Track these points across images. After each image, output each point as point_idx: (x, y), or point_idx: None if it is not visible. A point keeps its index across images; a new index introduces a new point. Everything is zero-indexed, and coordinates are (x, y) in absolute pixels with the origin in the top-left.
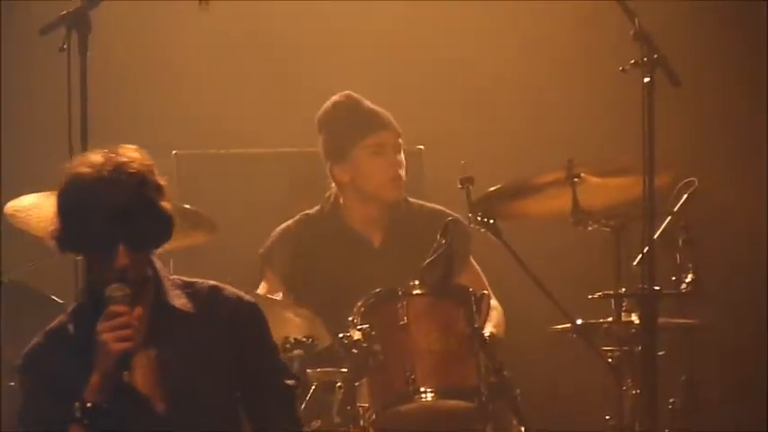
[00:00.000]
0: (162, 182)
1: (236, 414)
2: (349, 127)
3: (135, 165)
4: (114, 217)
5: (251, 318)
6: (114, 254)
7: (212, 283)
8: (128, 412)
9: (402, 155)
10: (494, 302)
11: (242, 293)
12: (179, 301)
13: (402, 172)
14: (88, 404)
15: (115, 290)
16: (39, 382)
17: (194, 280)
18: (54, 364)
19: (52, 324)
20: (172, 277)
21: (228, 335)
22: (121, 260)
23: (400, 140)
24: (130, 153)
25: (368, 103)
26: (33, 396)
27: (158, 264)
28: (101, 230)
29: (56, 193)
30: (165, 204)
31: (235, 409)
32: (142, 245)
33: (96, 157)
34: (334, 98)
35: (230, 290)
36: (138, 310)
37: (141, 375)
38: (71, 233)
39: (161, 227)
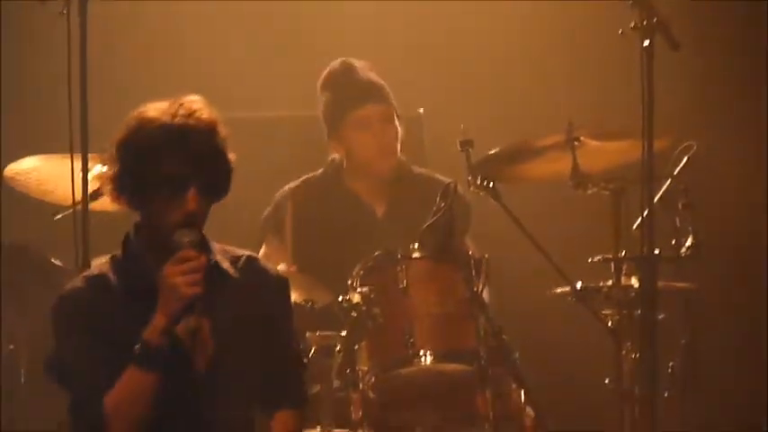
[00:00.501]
0: (225, 134)
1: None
2: (338, 100)
3: (206, 112)
4: (188, 160)
5: (282, 292)
6: (185, 197)
7: (248, 252)
8: (170, 365)
9: (395, 125)
10: None
11: (274, 267)
12: (224, 263)
13: (394, 143)
14: (151, 346)
15: (185, 234)
16: (80, 325)
17: (231, 247)
18: (95, 308)
19: (90, 270)
20: (212, 242)
21: (262, 305)
22: (191, 204)
23: (394, 111)
24: (198, 102)
25: (362, 71)
26: (73, 340)
27: None
28: (174, 171)
29: (121, 135)
30: (231, 156)
31: (257, 378)
32: (212, 190)
33: (164, 104)
34: (332, 65)
35: (264, 262)
36: (204, 257)
37: (184, 330)
38: (140, 176)
39: (226, 178)
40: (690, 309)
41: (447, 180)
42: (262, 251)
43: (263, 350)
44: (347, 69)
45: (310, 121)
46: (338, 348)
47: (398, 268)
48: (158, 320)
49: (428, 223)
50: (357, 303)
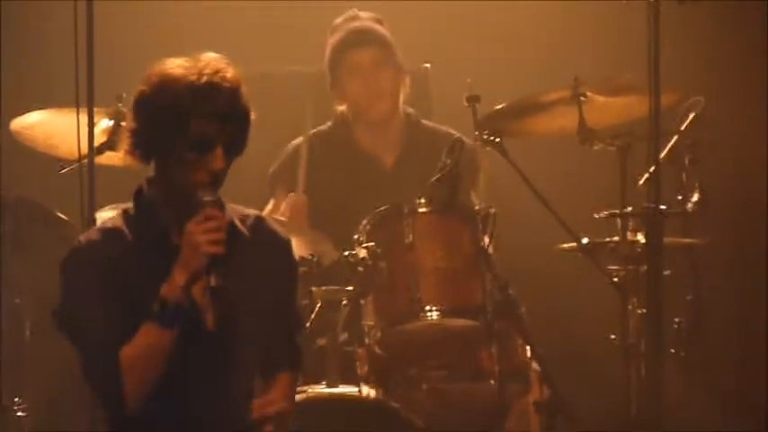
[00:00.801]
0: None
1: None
2: (334, 47)
3: (232, 71)
4: (216, 120)
5: (288, 254)
6: (211, 156)
7: (256, 212)
8: (184, 324)
9: (390, 71)
10: None
11: (281, 227)
12: (238, 224)
13: (387, 88)
14: (170, 303)
15: (208, 194)
16: (94, 277)
17: (239, 206)
18: (110, 261)
19: (104, 223)
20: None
21: (269, 265)
22: (218, 163)
23: (390, 57)
24: (224, 61)
25: (362, 20)
26: (86, 293)
27: None
28: (203, 132)
29: (143, 91)
30: (253, 114)
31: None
32: (237, 149)
33: (190, 61)
34: (339, 18)
35: (271, 222)
36: (227, 218)
37: (197, 289)
38: (166, 132)
39: (246, 136)
40: (696, 264)
41: (456, 133)
42: (270, 206)
43: (267, 310)
44: (349, 18)
45: (319, 77)
46: (344, 303)
47: (405, 223)
48: (178, 277)
49: (434, 178)
50: (363, 258)
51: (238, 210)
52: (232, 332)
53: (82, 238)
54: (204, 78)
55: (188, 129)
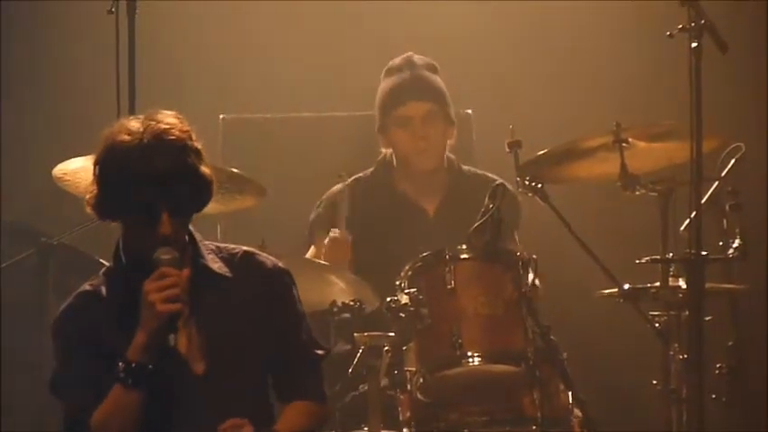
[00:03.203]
0: (200, 146)
1: (267, 378)
2: (387, 94)
3: (175, 131)
4: (156, 184)
5: (282, 284)
6: (157, 221)
7: (246, 248)
8: (167, 373)
9: (441, 126)
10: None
11: (275, 259)
12: (215, 264)
13: (436, 143)
14: (132, 364)
15: (164, 252)
16: (72, 342)
17: (227, 245)
18: (87, 325)
19: (83, 287)
20: (205, 242)
21: (262, 300)
22: (165, 227)
23: (443, 112)
24: (169, 119)
25: (418, 68)
26: (66, 358)
27: (192, 228)
28: (143, 198)
29: (94, 160)
30: (205, 169)
31: (266, 373)
32: (185, 211)
33: (135, 124)
34: (395, 60)
35: (263, 255)
36: (186, 272)
37: (181, 337)
38: (112, 201)
39: (202, 192)
40: (737, 310)
41: (496, 177)
42: (311, 251)
43: (269, 345)
44: (404, 64)
45: (363, 121)
46: (386, 349)
47: (446, 269)
48: (139, 338)
49: (476, 224)
50: (405, 304)
51: (226, 248)
52: (222, 374)
53: (63, 304)
54: (144, 142)
55: (132, 196)
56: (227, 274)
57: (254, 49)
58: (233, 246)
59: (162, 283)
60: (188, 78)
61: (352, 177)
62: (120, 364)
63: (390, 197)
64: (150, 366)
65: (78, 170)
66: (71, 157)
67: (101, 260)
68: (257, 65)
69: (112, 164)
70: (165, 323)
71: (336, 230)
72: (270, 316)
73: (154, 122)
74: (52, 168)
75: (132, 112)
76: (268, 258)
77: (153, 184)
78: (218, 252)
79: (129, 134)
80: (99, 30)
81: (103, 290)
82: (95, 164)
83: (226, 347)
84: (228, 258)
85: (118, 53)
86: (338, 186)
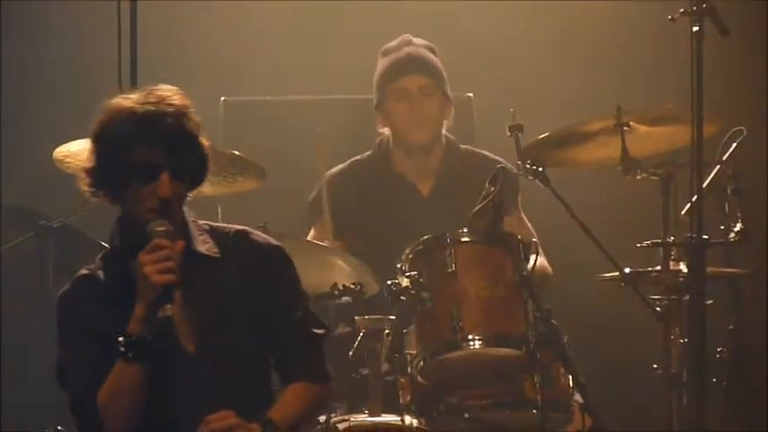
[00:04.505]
0: (199, 120)
1: (266, 359)
2: (384, 70)
3: (176, 99)
4: (159, 145)
5: (276, 261)
6: (158, 183)
7: (239, 227)
8: (160, 352)
9: (437, 99)
10: (541, 259)
11: (269, 237)
12: (204, 246)
13: (432, 117)
14: (132, 336)
15: (158, 225)
16: (74, 327)
17: (221, 225)
18: (86, 308)
19: (80, 271)
20: (200, 222)
21: (255, 278)
22: (164, 188)
23: (438, 86)
24: (169, 90)
25: (414, 46)
26: (69, 343)
27: (185, 209)
28: (144, 157)
29: (94, 127)
30: (204, 141)
31: (264, 354)
32: (184, 172)
33: (136, 93)
34: (392, 42)
35: (257, 234)
36: (180, 244)
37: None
38: (112, 163)
39: (201, 161)
40: (738, 294)
41: (494, 157)
42: (311, 234)
43: (265, 324)
44: (402, 43)
45: (361, 104)
46: (387, 332)
47: (447, 252)
48: (137, 311)
49: (477, 207)
50: (406, 287)
51: (218, 228)
52: (214, 353)
53: (62, 288)
54: (146, 106)
55: (131, 157)
56: (216, 255)
57: (254, 32)
58: (228, 225)
59: (156, 255)
60: (190, 61)
61: (350, 160)
62: (121, 338)
63: (386, 179)
64: (149, 339)
65: (79, 152)
66: (72, 140)
67: (101, 242)
68: (258, 48)
69: (114, 128)
70: (160, 294)
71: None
72: (263, 294)
73: (154, 90)
74: (53, 151)
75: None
76: (261, 236)
77: (154, 143)
78: (211, 232)
79: (132, 100)
80: (102, 12)
81: (101, 273)
82: (94, 135)
83: (214, 328)
84: (221, 238)
85: (120, 36)
86: (336, 168)
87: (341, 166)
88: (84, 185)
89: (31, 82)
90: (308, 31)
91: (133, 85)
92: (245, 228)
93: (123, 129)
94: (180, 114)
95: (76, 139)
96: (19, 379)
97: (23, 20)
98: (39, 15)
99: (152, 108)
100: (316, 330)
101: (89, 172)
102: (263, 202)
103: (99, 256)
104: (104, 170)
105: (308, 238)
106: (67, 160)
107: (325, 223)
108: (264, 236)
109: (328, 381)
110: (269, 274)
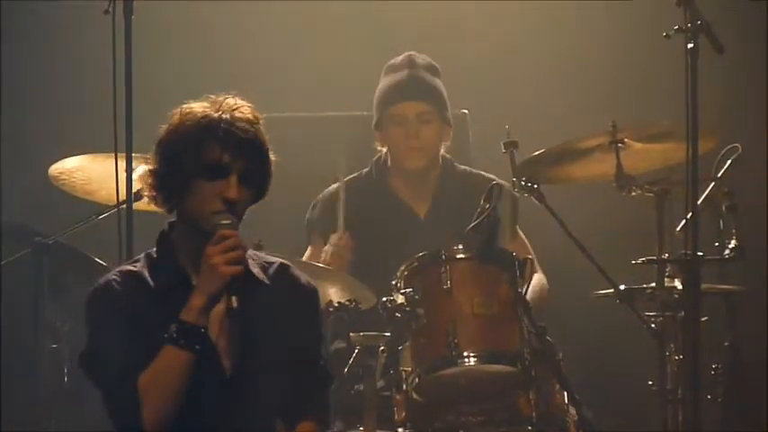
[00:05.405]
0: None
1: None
2: (384, 92)
3: (250, 110)
4: (231, 147)
5: (312, 301)
6: (225, 184)
7: (282, 259)
8: (197, 363)
9: (435, 127)
10: (539, 275)
11: (308, 277)
12: (254, 269)
13: (429, 144)
14: (187, 324)
15: (223, 218)
16: (113, 313)
17: (263, 254)
18: (129, 300)
19: (123, 266)
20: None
21: (291, 313)
22: (231, 190)
23: (438, 113)
24: (243, 101)
25: (417, 68)
26: (103, 330)
27: None
28: (217, 156)
29: (165, 130)
30: (272, 155)
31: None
32: (253, 181)
33: (208, 102)
34: (396, 59)
35: (296, 270)
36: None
37: (215, 331)
38: (184, 161)
39: (267, 174)
40: (733, 311)
41: (490, 176)
42: (308, 253)
43: (289, 359)
44: (404, 63)
45: (360, 121)
46: (382, 349)
47: (442, 269)
48: (196, 300)
49: (472, 224)
50: (401, 304)
51: (262, 256)
52: (249, 378)
53: (103, 278)
54: (220, 113)
55: (202, 155)
56: (266, 281)
57: (251, 48)
58: (269, 255)
59: (223, 245)
60: (186, 77)
61: (347, 178)
62: (173, 326)
63: (383, 198)
64: (203, 330)
65: (74, 169)
66: (67, 156)
67: (96, 259)
68: (255, 64)
69: (186, 130)
70: (226, 285)
71: (336, 236)
72: (294, 330)
73: (228, 98)
74: (48, 167)
75: (129, 111)
76: (301, 274)
77: (227, 144)
78: (255, 259)
79: (203, 107)
80: (97, 29)
81: (146, 272)
82: (163, 138)
83: (253, 351)
84: (265, 267)
85: (115, 52)
86: (333, 186)
87: (336, 184)
88: (145, 189)
89: (27, 98)
90: (308, 47)
91: (128, 102)
92: (288, 261)
93: (196, 128)
94: (253, 123)
95: (72, 155)
96: (15, 393)
97: (21, 36)
98: (36, 33)
99: (227, 113)
100: (328, 375)
101: (154, 172)
102: (258, 220)
103: (143, 255)
104: (173, 167)
105: (305, 258)
106: (63, 177)
107: (322, 242)
108: (304, 274)
109: (328, 427)
110: (303, 313)
